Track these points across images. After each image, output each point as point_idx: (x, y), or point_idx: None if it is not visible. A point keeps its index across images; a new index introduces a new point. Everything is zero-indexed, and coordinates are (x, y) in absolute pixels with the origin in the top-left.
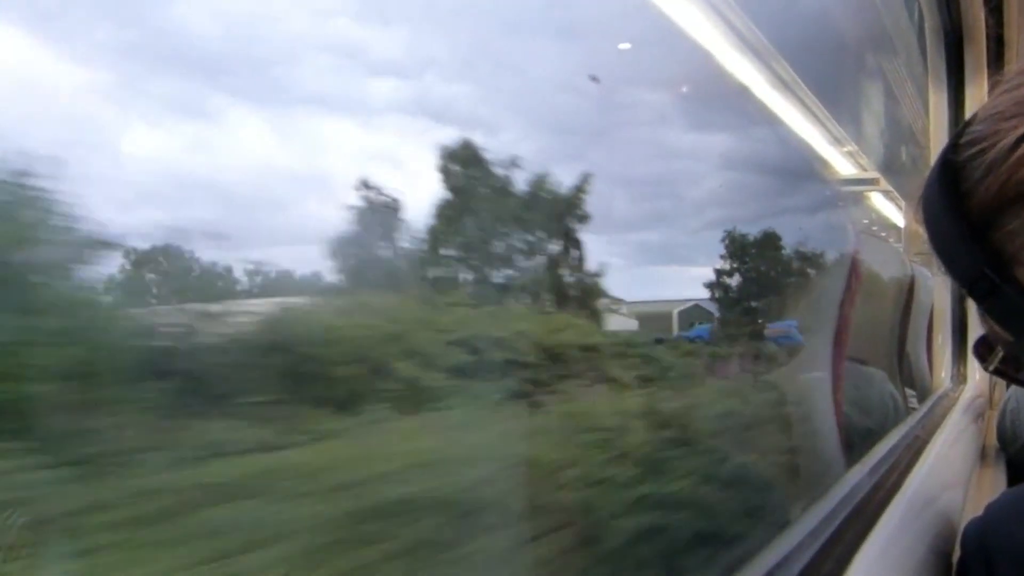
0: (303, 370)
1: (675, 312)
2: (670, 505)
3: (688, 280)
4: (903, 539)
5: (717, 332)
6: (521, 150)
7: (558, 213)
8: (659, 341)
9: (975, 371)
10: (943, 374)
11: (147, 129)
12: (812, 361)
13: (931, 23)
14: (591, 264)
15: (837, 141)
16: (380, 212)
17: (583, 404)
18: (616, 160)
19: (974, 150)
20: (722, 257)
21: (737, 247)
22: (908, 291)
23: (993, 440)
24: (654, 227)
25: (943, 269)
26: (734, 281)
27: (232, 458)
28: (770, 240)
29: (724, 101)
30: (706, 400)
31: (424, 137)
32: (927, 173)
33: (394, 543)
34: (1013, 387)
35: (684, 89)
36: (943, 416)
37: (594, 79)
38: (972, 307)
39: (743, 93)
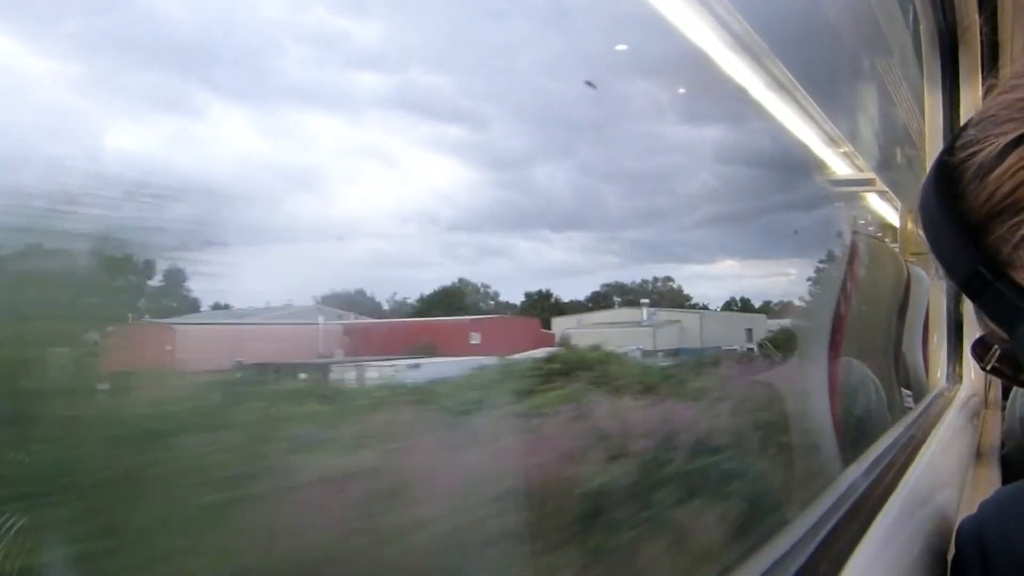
0: None
1: None
2: None
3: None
4: (899, 537)
5: None
6: (512, 145)
7: None
8: None
9: (971, 371)
10: (939, 374)
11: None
12: (809, 361)
13: (926, 26)
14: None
15: (833, 142)
16: None
17: None
18: (610, 155)
19: (967, 153)
20: None
21: None
22: (904, 291)
23: (989, 439)
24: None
25: (938, 268)
26: None
27: None
28: None
29: (719, 99)
30: None
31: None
32: (924, 174)
33: None
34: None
35: (681, 90)
36: (939, 415)
37: (590, 84)
38: (968, 308)
39: (739, 91)
